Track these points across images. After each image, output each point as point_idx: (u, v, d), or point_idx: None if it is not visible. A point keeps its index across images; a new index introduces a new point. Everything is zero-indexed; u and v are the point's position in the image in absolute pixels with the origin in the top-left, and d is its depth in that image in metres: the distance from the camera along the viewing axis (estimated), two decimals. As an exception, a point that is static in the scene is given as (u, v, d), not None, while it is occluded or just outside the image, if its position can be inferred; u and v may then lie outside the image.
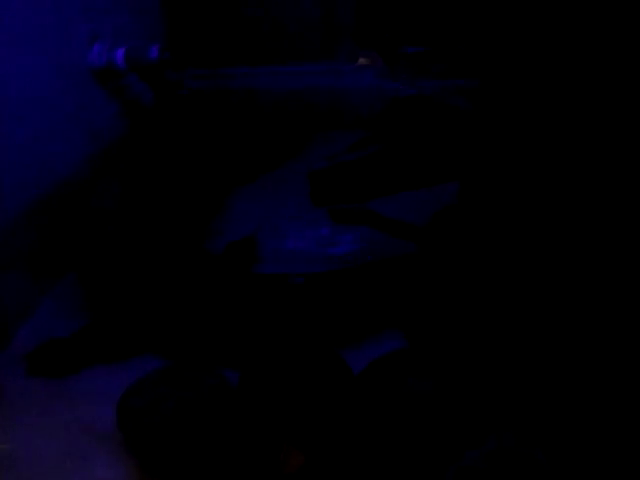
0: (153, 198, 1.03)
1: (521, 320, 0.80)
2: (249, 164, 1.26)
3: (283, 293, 0.88)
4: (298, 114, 1.38)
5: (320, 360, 0.76)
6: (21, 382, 0.79)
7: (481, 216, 0.99)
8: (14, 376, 0.79)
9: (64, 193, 0.99)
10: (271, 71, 1.42)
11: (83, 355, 0.82)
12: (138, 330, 0.84)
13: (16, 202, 0.89)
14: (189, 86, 1.33)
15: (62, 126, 1.02)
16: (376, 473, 0.66)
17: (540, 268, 0.86)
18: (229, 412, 0.71)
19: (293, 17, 1.41)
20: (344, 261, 0.97)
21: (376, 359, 0.76)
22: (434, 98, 1.20)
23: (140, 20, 1.29)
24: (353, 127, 1.35)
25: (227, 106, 1.37)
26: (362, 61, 1.44)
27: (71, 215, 0.95)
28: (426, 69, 1.39)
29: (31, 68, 0.93)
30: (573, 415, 0.68)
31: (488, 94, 1.25)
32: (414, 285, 0.89)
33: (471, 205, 1.03)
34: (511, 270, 0.86)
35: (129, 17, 1.23)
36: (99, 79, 1.12)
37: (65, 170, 1.01)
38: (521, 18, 1.24)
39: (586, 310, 0.79)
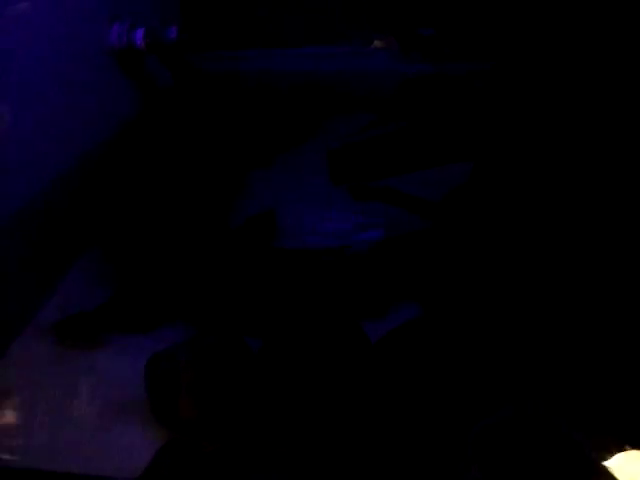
0: (174, 176, 1.05)
1: (533, 292, 0.81)
2: (266, 146, 1.27)
3: (303, 267, 0.90)
4: (313, 96, 1.39)
5: (339, 329, 0.77)
6: (51, 352, 0.80)
7: (493, 194, 1.00)
8: (44, 346, 0.81)
9: (84, 169, 1.01)
10: (286, 53, 1.42)
11: (110, 325, 0.83)
12: (162, 300, 0.85)
13: (36, 178, 0.90)
14: (206, 67, 1.34)
15: (81, 105, 1.03)
16: (398, 437, 0.67)
17: (551, 242, 0.87)
18: (251, 379, 0.72)
19: (308, 2, 1.42)
20: (363, 236, 0.98)
21: (394, 328, 0.78)
22: (452, 78, 1.21)
23: (157, 1, 1.30)
24: (368, 110, 1.35)
25: (243, 88, 1.38)
26: (377, 44, 1.45)
27: (96, 191, 0.96)
28: (440, 52, 1.40)
29: (50, 48, 0.94)
30: (591, 383, 0.69)
31: (503, 76, 1.25)
32: (430, 259, 0.90)
33: (484, 183, 1.04)
34: (523, 244, 0.87)
35: (147, -2, 1.24)
36: (118, 60, 1.13)
37: (83, 148, 1.02)
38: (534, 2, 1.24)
39: (597, 281, 0.80)
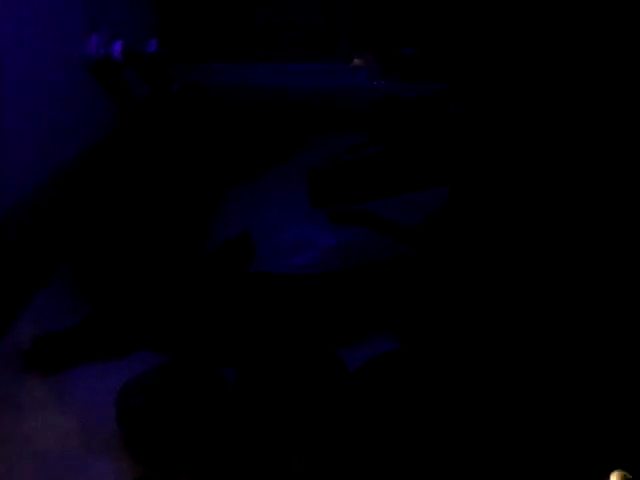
0: (148, 194, 1.03)
1: (514, 320, 0.81)
2: (242, 163, 1.26)
3: (278, 292, 0.88)
4: (291, 113, 1.38)
5: (315, 358, 0.76)
6: (17, 376, 0.78)
7: (472, 218, 1.00)
8: (11, 370, 0.78)
9: (59, 184, 0.98)
10: (267, 68, 1.41)
11: (80, 350, 0.81)
12: (135, 325, 0.83)
13: (9, 190, 0.87)
14: (183, 80, 1.32)
15: (57, 117, 1.01)
16: (378, 470, 0.66)
17: (531, 269, 0.87)
18: (226, 409, 0.71)
19: (289, 18, 1.41)
20: (340, 262, 0.98)
21: (371, 358, 0.77)
22: (431, 101, 1.21)
23: (136, 13, 1.28)
24: (346, 128, 1.35)
25: (222, 102, 1.36)
26: (357, 62, 1.44)
27: (67, 207, 0.94)
28: (420, 71, 1.40)
29: (28, 58, 0.92)
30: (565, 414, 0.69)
31: (480, 97, 1.26)
32: (408, 286, 0.90)
33: (462, 207, 1.04)
34: (503, 271, 0.87)
35: (126, 10, 1.21)
36: (95, 71, 1.11)
37: (60, 161, 1.00)
38: (515, 22, 1.25)
39: (578, 311, 0.80)
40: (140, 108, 1.24)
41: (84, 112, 1.09)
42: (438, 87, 1.35)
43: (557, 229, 0.91)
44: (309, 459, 0.67)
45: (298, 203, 1.10)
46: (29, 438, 0.70)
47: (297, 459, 0.67)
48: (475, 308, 0.84)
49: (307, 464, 0.66)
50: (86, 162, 1.06)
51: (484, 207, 1.01)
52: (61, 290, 0.92)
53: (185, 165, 1.14)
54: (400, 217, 1.05)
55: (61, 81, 1.02)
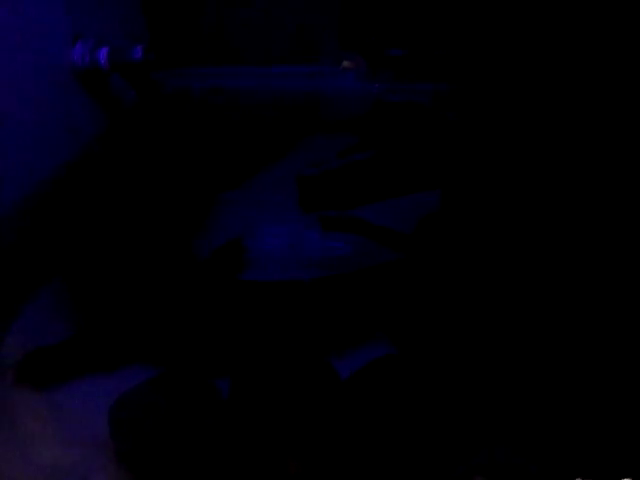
0: (138, 203, 1.02)
1: (509, 326, 0.81)
2: (231, 168, 1.25)
3: (271, 300, 0.88)
4: (281, 116, 1.37)
5: (308, 365, 0.76)
6: (8, 392, 0.77)
7: (464, 223, 1.00)
8: (1, 386, 0.77)
9: (45, 195, 0.97)
10: (254, 72, 1.40)
11: (72, 364, 0.80)
12: (127, 338, 0.83)
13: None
14: (170, 86, 1.31)
15: (42, 127, 1.00)
16: (373, 476, 0.66)
17: (527, 272, 0.87)
18: (220, 421, 0.71)
19: (275, 20, 1.41)
20: (332, 268, 0.97)
21: (364, 366, 0.77)
22: (423, 106, 1.21)
23: (123, 19, 1.26)
24: (335, 130, 1.35)
25: (208, 107, 1.35)
26: (345, 64, 1.44)
27: (56, 218, 0.93)
28: (410, 73, 1.40)
29: (10, 67, 0.91)
30: (567, 427, 0.69)
31: (472, 101, 1.26)
32: (402, 292, 0.90)
33: (454, 212, 1.04)
34: (496, 276, 0.87)
35: (112, 16, 1.20)
36: (81, 79, 1.10)
37: (46, 171, 0.99)
38: (507, 27, 1.25)
39: (575, 321, 0.80)
40: (128, 115, 1.23)
41: (72, 122, 1.08)
42: (428, 89, 1.35)
43: (551, 230, 0.91)
44: (306, 466, 0.67)
45: (289, 208, 1.10)
46: (22, 454, 0.69)
47: (294, 466, 0.66)
48: (470, 312, 0.84)
49: (304, 471, 0.66)
50: (74, 172, 1.05)
51: (477, 210, 1.01)
52: (51, 304, 0.90)
53: (174, 172, 1.13)
54: (392, 223, 1.04)
55: (46, 90, 1.01)
